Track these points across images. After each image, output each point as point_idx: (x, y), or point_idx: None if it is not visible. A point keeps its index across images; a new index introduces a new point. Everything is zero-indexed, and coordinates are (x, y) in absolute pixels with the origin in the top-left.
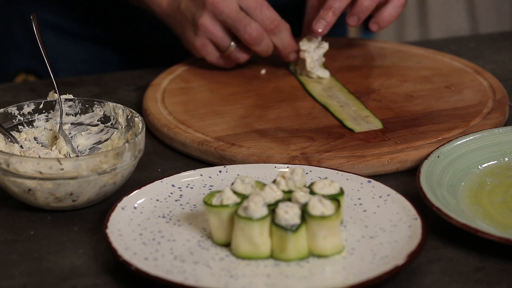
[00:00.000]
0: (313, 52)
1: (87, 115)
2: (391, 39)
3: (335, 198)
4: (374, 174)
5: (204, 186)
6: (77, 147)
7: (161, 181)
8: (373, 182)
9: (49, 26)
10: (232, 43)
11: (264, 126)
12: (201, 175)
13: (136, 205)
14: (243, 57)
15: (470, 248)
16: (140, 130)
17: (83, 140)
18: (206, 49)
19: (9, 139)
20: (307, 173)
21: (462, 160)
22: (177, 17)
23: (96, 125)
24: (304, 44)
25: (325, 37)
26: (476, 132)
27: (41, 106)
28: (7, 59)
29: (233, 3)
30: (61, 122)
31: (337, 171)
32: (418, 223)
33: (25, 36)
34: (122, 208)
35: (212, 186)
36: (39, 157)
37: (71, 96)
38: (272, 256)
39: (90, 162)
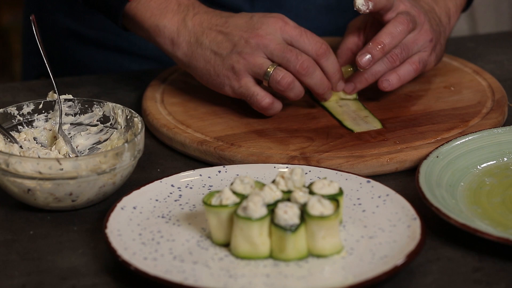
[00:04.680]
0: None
1: (86, 115)
2: None
3: (334, 198)
4: (373, 174)
5: (204, 186)
6: (76, 147)
7: (161, 181)
8: (372, 182)
9: (71, 33)
10: (270, 67)
11: (263, 126)
12: (200, 175)
13: (135, 205)
14: (285, 79)
15: (469, 248)
16: (139, 130)
17: (83, 140)
18: (243, 81)
19: (9, 139)
20: (306, 173)
21: (461, 160)
22: (199, 56)
23: (96, 125)
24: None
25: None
26: (475, 132)
27: (41, 106)
28: (29, 63)
29: (277, 36)
30: (61, 122)
31: (336, 171)
32: (417, 223)
33: (45, 41)
34: (122, 208)
35: (212, 186)
36: (39, 157)
37: (70, 96)
38: (271, 256)
39: (89, 162)
